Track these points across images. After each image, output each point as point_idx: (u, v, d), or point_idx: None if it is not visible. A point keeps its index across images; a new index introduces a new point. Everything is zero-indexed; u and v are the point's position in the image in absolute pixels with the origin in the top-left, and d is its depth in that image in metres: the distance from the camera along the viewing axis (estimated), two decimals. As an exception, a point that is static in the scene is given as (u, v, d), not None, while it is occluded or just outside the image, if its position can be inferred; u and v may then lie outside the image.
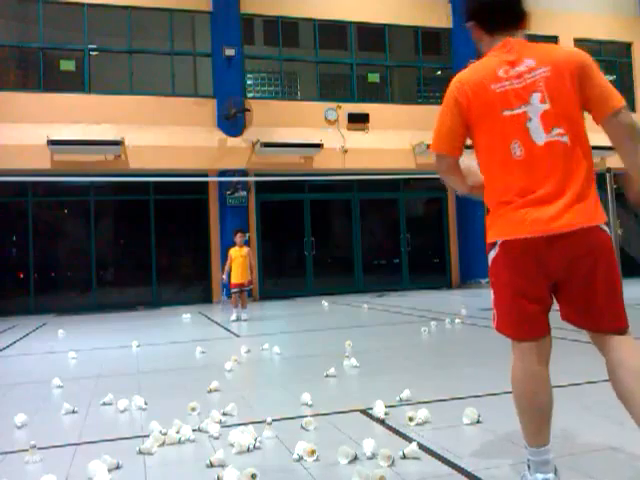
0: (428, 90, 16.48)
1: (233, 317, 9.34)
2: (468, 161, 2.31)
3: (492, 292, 2.22)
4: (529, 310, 2.09)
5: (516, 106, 2.08)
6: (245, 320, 9.26)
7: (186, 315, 10.45)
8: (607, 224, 2.10)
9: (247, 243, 10.17)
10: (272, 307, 11.72)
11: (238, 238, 9.65)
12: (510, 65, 2.13)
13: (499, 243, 2.12)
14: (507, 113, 2.09)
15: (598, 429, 2.90)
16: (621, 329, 2.06)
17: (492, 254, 2.18)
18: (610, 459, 2.55)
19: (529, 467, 2.16)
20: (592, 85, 2.05)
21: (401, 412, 3.36)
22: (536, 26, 11.19)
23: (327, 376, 4.55)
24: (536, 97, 2.07)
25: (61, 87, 13.37)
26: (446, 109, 2.24)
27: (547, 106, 2.05)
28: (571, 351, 4.87)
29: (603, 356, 2.11)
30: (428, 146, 14.36)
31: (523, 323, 2.11)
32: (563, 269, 2.05)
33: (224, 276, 9.87)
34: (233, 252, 9.63)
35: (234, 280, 9.54)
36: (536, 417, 2.12)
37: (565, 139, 2.05)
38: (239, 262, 9.52)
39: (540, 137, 2.06)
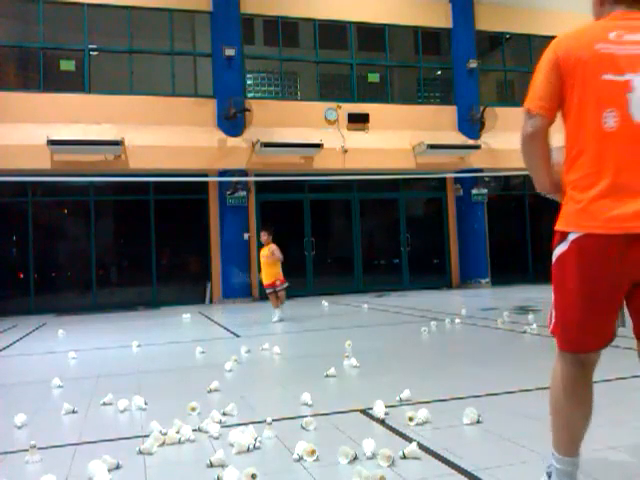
0: (428, 90, 16.48)
1: (275, 318, 9.05)
2: (558, 157, 2.04)
3: (554, 293, 2.01)
4: (595, 321, 1.90)
5: (620, 72, 1.84)
6: (280, 320, 8.97)
7: (186, 315, 10.45)
8: None
9: (260, 241, 9.57)
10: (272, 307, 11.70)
11: (262, 237, 9.33)
12: (628, 30, 1.88)
13: (571, 238, 1.90)
14: (607, 77, 1.85)
15: (598, 429, 2.89)
16: None
17: (561, 248, 1.95)
18: (610, 459, 2.55)
19: (549, 475, 2.09)
20: None
21: (401, 412, 3.36)
22: (536, 26, 11.20)
23: (327, 376, 4.55)
24: None
25: (61, 87, 13.36)
26: (542, 65, 2.00)
27: None
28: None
29: None
30: (428, 146, 14.39)
31: (586, 335, 1.93)
32: None
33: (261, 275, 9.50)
34: (261, 252, 9.40)
35: (263, 281, 9.28)
36: (576, 427, 2.01)
37: None
38: (264, 262, 9.21)
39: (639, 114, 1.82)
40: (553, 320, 2.03)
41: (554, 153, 2.04)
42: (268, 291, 9.25)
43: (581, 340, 1.94)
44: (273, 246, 9.16)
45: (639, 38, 1.87)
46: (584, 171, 1.89)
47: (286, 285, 9.26)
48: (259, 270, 9.78)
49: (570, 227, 1.90)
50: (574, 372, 1.98)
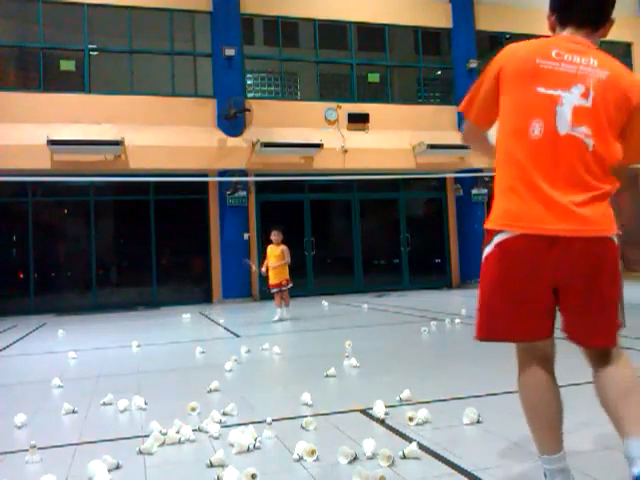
0: (428, 90, 16.48)
1: (275, 317, 9.12)
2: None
3: (480, 291, 2.11)
4: (521, 317, 2.01)
5: (553, 87, 1.96)
6: (287, 319, 9.10)
7: (186, 315, 10.45)
8: (617, 236, 1.98)
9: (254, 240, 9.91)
10: (272, 307, 11.70)
11: (273, 237, 9.30)
12: (568, 52, 2.01)
13: (497, 239, 2.02)
14: (541, 90, 1.97)
15: (597, 429, 2.89)
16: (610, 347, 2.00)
17: (488, 249, 2.08)
18: (609, 459, 2.55)
19: (545, 476, 2.09)
20: (633, 129, 2.00)
21: (401, 412, 3.36)
22: (536, 26, 11.20)
23: (327, 376, 4.55)
24: (578, 89, 1.95)
25: (61, 87, 13.36)
26: (484, 74, 2.12)
27: (586, 103, 1.94)
28: (570, 351, 4.87)
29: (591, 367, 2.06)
30: (428, 146, 14.39)
31: (518, 322, 2.02)
32: (562, 276, 1.95)
33: (262, 269, 9.49)
34: (269, 250, 9.35)
35: (271, 281, 9.29)
36: (544, 425, 2.04)
37: (589, 142, 1.93)
38: (273, 262, 9.19)
39: (564, 126, 1.94)
40: (478, 321, 2.10)
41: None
42: (274, 290, 9.27)
43: (507, 329, 2.06)
44: (284, 247, 9.23)
45: (576, 60, 1.99)
46: (510, 175, 2.00)
47: (290, 286, 9.33)
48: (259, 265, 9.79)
49: (496, 226, 2.02)
50: (537, 366, 2.08)
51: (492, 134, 2.20)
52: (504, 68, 2.04)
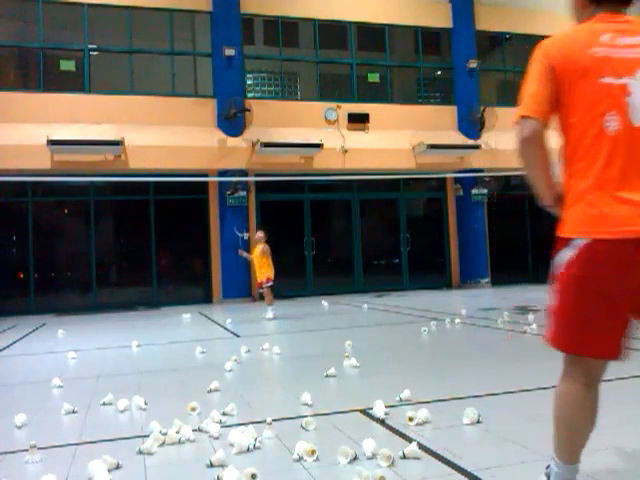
0: (428, 90, 16.48)
1: (270, 315, 9.35)
2: (559, 172, 2.01)
3: (555, 299, 1.94)
4: (603, 324, 1.85)
5: (617, 75, 1.83)
6: (269, 319, 9.19)
7: (186, 315, 10.45)
8: None
9: (248, 240, 10.05)
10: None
11: (258, 235, 9.64)
12: (619, 34, 1.87)
13: (578, 244, 1.85)
14: (606, 80, 1.83)
15: (598, 429, 2.89)
16: None
17: (566, 254, 1.90)
18: (610, 459, 2.55)
19: (548, 477, 2.08)
20: None
21: (401, 412, 3.36)
22: (536, 26, 11.22)
23: (327, 376, 4.55)
24: None
25: (61, 87, 13.35)
26: (534, 72, 1.95)
27: None
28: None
29: None
30: (428, 146, 14.39)
31: (593, 339, 1.87)
32: None
33: (245, 254, 10.06)
34: (253, 251, 9.82)
35: (257, 279, 9.71)
36: (571, 437, 1.98)
37: None
38: (253, 262, 9.66)
39: (638, 117, 1.82)
40: (553, 329, 1.96)
41: (556, 168, 2.01)
42: (260, 290, 9.68)
43: (589, 343, 1.89)
44: (263, 246, 9.49)
45: (631, 42, 1.87)
46: (587, 176, 1.87)
47: (270, 284, 9.46)
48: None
49: (575, 233, 1.87)
50: (583, 382, 1.93)
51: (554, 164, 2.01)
52: (557, 66, 1.90)
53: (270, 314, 9.28)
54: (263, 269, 9.46)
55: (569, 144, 1.94)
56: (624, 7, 1.96)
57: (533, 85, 1.95)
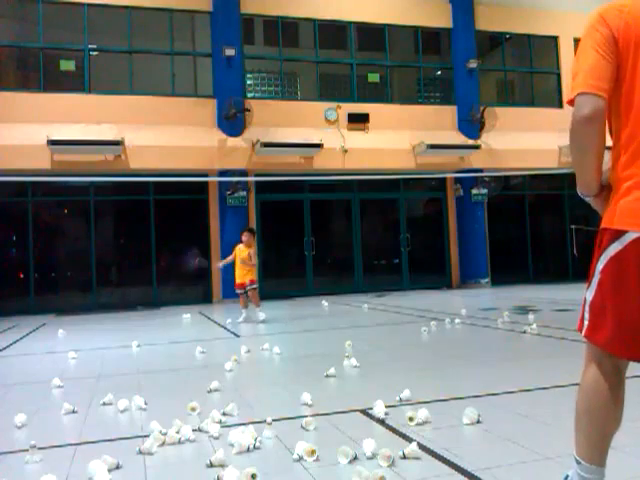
0: (428, 90, 16.47)
1: (240, 319, 9.08)
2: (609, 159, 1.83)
3: (594, 292, 1.82)
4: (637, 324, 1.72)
5: None
6: (262, 321, 8.90)
7: (186, 315, 10.45)
8: None
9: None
10: (272, 307, 11.72)
11: (244, 237, 9.21)
12: None
13: (630, 238, 1.70)
14: None
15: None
16: None
17: (614, 248, 1.74)
18: (610, 459, 2.55)
19: (567, 478, 1.99)
20: None
21: (401, 412, 3.36)
22: (536, 26, 11.21)
23: (327, 376, 4.55)
24: None
25: (61, 87, 13.36)
26: (591, 41, 1.72)
27: None
28: (571, 351, 4.87)
29: None
30: (428, 146, 14.39)
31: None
32: None
33: (219, 265, 9.85)
34: (237, 250, 9.27)
35: (236, 281, 9.27)
36: (606, 434, 1.88)
37: None
38: (238, 263, 9.18)
39: None
40: (587, 323, 1.85)
41: (606, 155, 1.81)
42: (238, 291, 9.28)
43: (620, 343, 1.79)
44: (252, 250, 9.17)
45: None
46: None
47: (255, 286, 9.22)
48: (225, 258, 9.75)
49: (628, 225, 1.70)
50: (612, 378, 1.84)
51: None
52: (618, 32, 1.68)
53: (262, 315, 9.03)
54: (246, 270, 9.13)
55: (627, 127, 1.73)
56: None
57: (590, 57, 1.71)
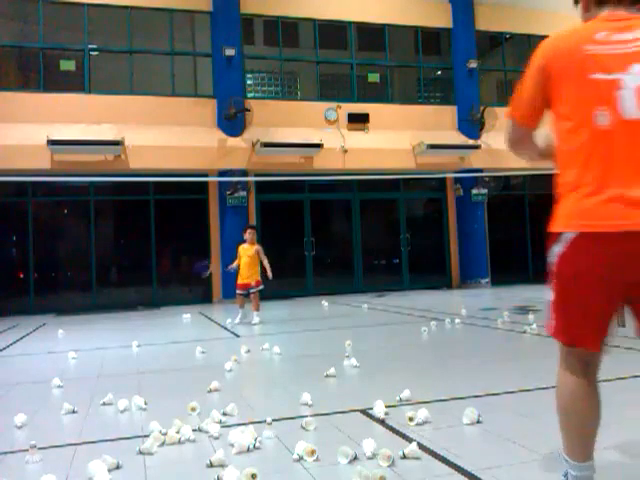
0: (428, 90, 16.48)
1: (237, 320, 8.93)
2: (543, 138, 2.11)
3: (552, 292, 1.98)
4: (594, 318, 1.89)
5: (609, 71, 1.84)
6: (256, 324, 8.67)
7: (186, 315, 10.45)
8: None
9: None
10: (272, 307, 11.72)
11: (247, 235, 8.98)
12: (614, 31, 1.89)
13: (567, 238, 1.89)
14: (596, 76, 1.85)
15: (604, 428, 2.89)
16: None
17: (557, 249, 1.93)
18: (610, 459, 2.55)
19: (566, 477, 2.03)
20: None
21: (401, 412, 3.36)
22: (536, 26, 11.21)
23: (327, 376, 4.55)
24: (637, 68, 1.83)
25: (61, 87, 13.35)
26: (531, 70, 2.01)
27: None
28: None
29: None
30: (428, 146, 14.39)
31: (587, 331, 1.91)
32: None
33: (230, 268, 9.26)
34: (241, 250, 9.03)
35: (239, 280, 9.03)
36: (575, 432, 1.96)
37: None
38: (245, 262, 8.89)
39: (630, 110, 1.82)
40: (553, 322, 2.00)
41: (539, 138, 2.11)
42: (239, 292, 9.03)
43: (583, 336, 1.93)
44: (258, 247, 8.94)
45: (626, 37, 1.87)
46: (579, 170, 1.89)
47: (261, 288, 8.98)
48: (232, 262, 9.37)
49: (565, 227, 1.91)
50: (580, 373, 1.95)
51: (539, 135, 2.12)
52: (551, 62, 1.94)
53: (257, 319, 8.81)
54: (253, 271, 8.91)
55: (561, 140, 1.97)
56: (627, 5, 1.96)
57: (526, 85, 2.04)
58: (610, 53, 1.87)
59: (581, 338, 1.93)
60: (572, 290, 1.91)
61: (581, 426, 1.95)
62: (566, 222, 1.91)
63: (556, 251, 1.94)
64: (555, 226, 1.95)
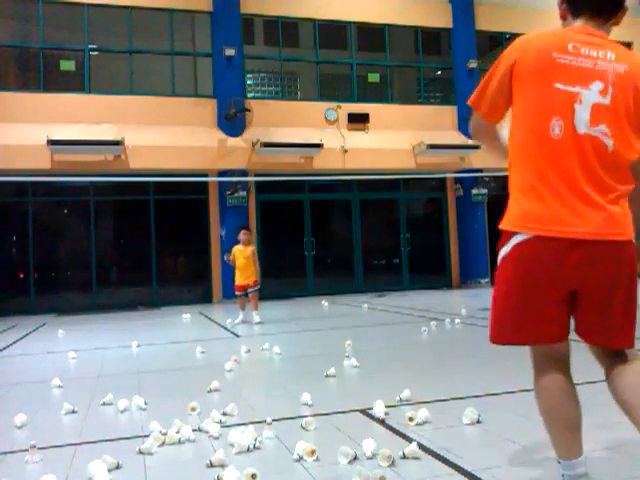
0: (428, 90, 16.48)
1: (238, 320, 8.94)
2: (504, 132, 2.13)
3: (501, 295, 2.00)
4: (532, 321, 1.94)
5: (572, 83, 1.88)
6: (258, 323, 8.70)
7: (186, 315, 10.45)
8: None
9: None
10: (272, 307, 11.72)
11: (242, 236, 8.96)
12: (584, 45, 1.92)
13: (514, 240, 1.93)
14: (559, 86, 1.89)
15: (597, 429, 2.89)
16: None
17: (504, 250, 1.98)
18: (610, 459, 2.55)
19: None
20: None
21: (401, 412, 3.36)
22: (536, 26, 11.24)
23: (327, 376, 4.55)
24: (597, 86, 1.88)
25: (61, 87, 13.36)
26: (496, 67, 2.02)
27: (605, 101, 1.88)
28: (571, 351, 4.87)
29: (603, 368, 2.03)
30: (428, 146, 14.39)
31: (533, 325, 1.96)
32: (582, 279, 1.89)
33: (230, 258, 9.08)
34: (236, 251, 9.00)
35: (237, 282, 9.04)
36: (562, 428, 1.98)
37: (608, 142, 1.87)
38: (241, 263, 8.90)
39: (582, 125, 1.87)
40: (508, 325, 2.02)
41: (503, 132, 2.12)
42: (238, 293, 9.06)
43: (543, 331, 1.96)
44: (253, 248, 9.00)
45: (593, 53, 1.91)
46: (528, 175, 1.93)
47: (258, 287, 9.01)
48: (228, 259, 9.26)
49: (513, 228, 1.95)
50: (554, 370, 1.99)
51: (502, 129, 2.14)
52: (519, 61, 1.95)
53: (257, 318, 8.83)
54: (249, 272, 8.91)
55: (516, 140, 1.99)
56: (600, 21, 2.00)
57: (488, 78, 2.03)
58: (576, 65, 1.90)
59: (542, 334, 1.96)
60: (523, 288, 1.93)
61: (567, 419, 1.98)
62: (515, 223, 1.94)
63: (504, 251, 1.98)
64: (505, 224, 1.98)
